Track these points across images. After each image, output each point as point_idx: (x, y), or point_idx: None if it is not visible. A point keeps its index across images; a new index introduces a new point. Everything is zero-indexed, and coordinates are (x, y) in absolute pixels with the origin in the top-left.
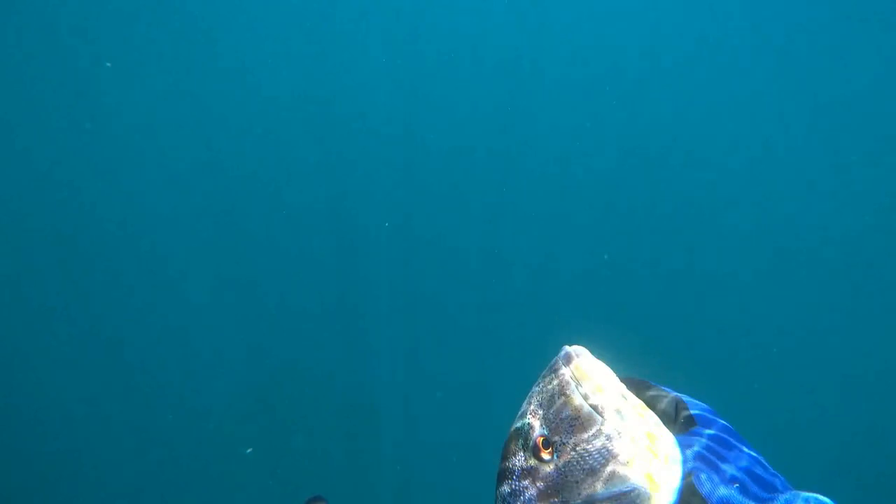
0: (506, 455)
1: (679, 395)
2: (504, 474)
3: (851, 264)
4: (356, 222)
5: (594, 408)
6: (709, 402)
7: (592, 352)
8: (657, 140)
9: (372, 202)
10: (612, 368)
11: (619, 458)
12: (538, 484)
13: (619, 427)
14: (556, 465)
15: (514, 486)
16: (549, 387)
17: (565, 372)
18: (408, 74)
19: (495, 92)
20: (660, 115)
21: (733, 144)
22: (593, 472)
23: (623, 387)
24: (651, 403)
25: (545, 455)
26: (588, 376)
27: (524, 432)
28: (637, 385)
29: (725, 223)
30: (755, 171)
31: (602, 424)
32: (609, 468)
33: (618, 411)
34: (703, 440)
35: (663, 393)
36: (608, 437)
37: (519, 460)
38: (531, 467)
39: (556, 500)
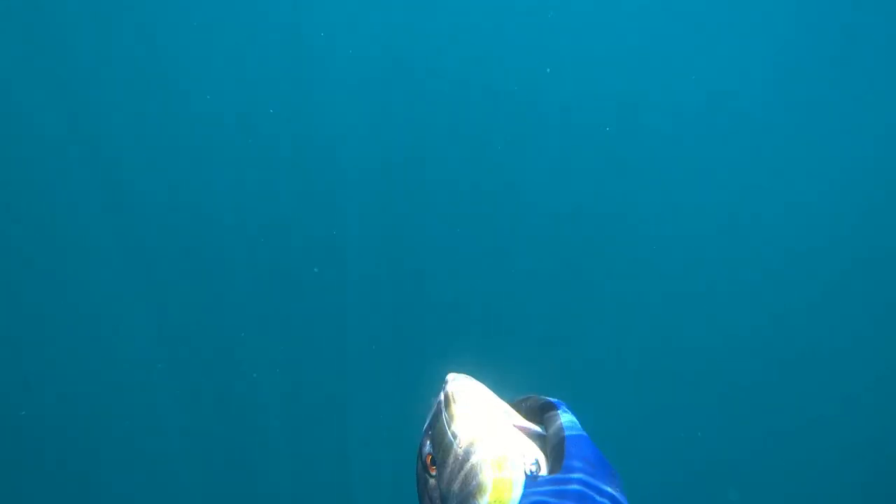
0: (417, 463)
1: (569, 429)
2: (416, 478)
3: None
4: None
5: (454, 437)
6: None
7: (482, 373)
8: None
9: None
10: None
11: (468, 486)
12: (429, 492)
13: (471, 458)
14: (436, 480)
15: (419, 489)
16: (434, 411)
17: (441, 399)
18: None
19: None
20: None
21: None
22: (453, 495)
23: (493, 417)
24: (546, 430)
25: (431, 471)
26: (454, 407)
27: (421, 448)
28: (534, 411)
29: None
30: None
31: (456, 454)
32: (464, 494)
33: (472, 443)
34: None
35: (555, 428)
36: (460, 468)
37: (420, 470)
38: (425, 479)
39: None
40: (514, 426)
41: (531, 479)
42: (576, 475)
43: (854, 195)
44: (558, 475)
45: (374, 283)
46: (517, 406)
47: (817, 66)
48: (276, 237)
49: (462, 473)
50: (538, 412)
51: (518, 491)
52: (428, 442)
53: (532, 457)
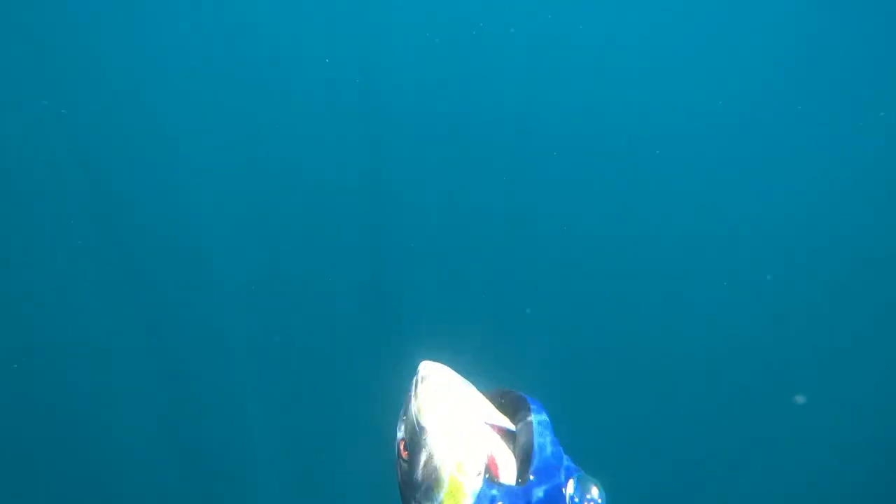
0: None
1: (539, 435)
2: (395, 462)
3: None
4: None
5: (421, 427)
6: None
7: (456, 363)
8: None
9: None
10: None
11: (429, 479)
12: (401, 476)
13: (435, 453)
14: (409, 465)
15: (396, 473)
16: (406, 399)
17: (412, 388)
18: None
19: None
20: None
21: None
22: (419, 483)
23: (462, 411)
24: (517, 432)
25: (404, 456)
26: (424, 397)
27: (396, 434)
28: (509, 407)
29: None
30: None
31: (423, 444)
32: (426, 485)
33: (437, 437)
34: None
35: (525, 434)
36: (425, 459)
37: (396, 455)
38: (399, 463)
39: (407, 493)
40: (485, 422)
41: (491, 484)
42: (536, 489)
43: (853, 198)
44: (518, 487)
45: (366, 282)
46: (493, 397)
47: (819, 71)
48: (278, 242)
49: (426, 465)
50: (513, 410)
51: (472, 492)
52: (403, 427)
53: (503, 460)
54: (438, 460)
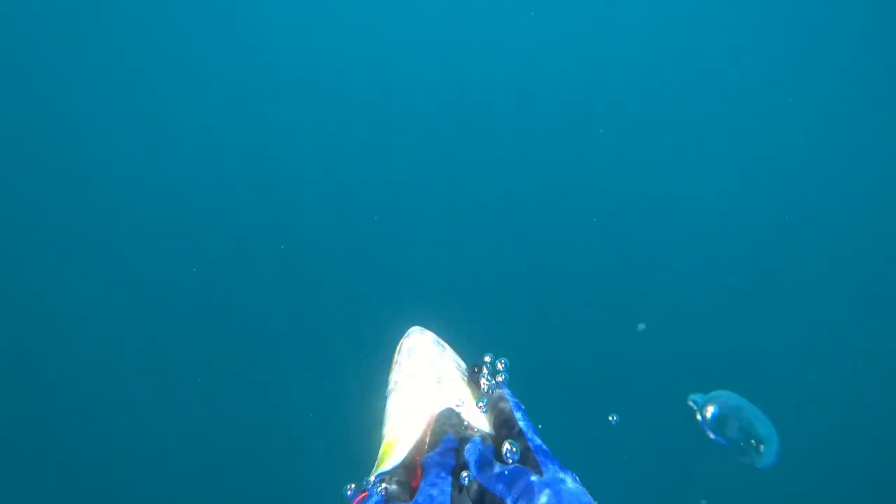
0: None
1: (524, 424)
2: None
3: None
4: None
5: (395, 384)
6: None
7: (440, 328)
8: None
9: None
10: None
11: (384, 427)
12: None
13: (387, 405)
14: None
15: None
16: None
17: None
18: None
19: None
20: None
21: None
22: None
23: (422, 379)
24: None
25: None
26: (401, 357)
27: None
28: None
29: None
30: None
31: (389, 399)
32: (382, 431)
33: (391, 391)
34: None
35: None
36: (384, 409)
37: None
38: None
39: None
40: (454, 404)
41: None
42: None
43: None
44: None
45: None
46: (472, 371)
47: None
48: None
49: (386, 416)
50: (497, 409)
51: (391, 462)
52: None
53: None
54: (386, 418)
